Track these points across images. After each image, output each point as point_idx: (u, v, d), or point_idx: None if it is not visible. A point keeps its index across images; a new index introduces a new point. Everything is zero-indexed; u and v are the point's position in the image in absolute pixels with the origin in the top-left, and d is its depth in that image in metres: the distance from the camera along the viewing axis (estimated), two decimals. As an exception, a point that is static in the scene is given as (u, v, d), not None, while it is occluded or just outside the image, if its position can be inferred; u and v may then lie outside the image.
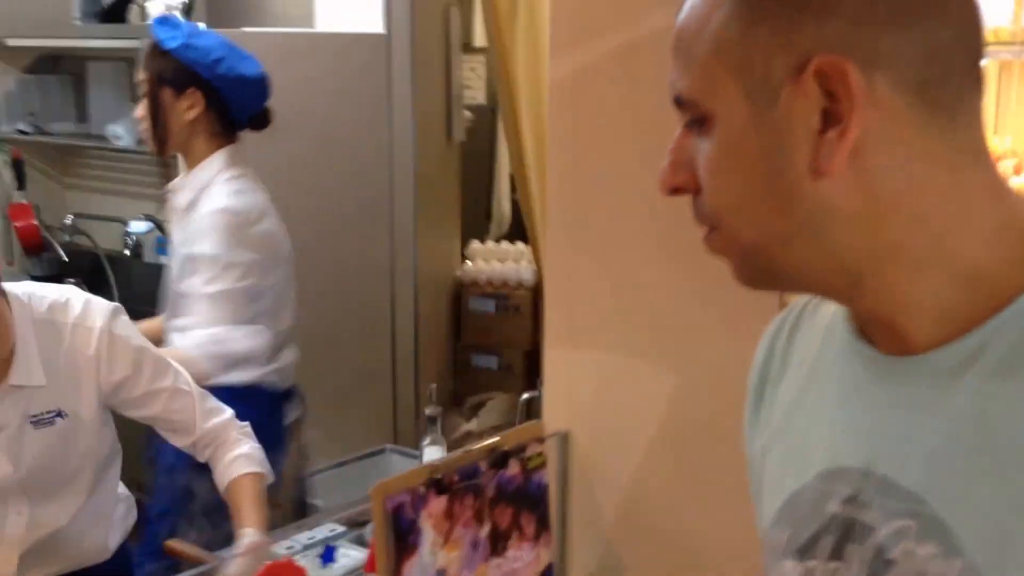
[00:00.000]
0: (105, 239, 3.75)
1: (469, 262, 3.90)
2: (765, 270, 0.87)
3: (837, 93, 0.77)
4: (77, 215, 3.85)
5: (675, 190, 0.87)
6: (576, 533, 1.45)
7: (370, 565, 1.24)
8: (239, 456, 1.85)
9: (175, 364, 1.92)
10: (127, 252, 3.66)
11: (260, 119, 2.47)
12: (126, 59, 3.75)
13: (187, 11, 3.35)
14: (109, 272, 3.61)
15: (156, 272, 3.19)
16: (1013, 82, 2.22)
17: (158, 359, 1.88)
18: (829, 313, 0.94)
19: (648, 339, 1.36)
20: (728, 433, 1.07)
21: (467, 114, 3.85)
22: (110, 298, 1.91)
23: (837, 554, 0.88)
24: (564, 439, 1.44)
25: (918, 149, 0.80)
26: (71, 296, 1.85)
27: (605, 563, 1.42)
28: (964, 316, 0.81)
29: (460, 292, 3.85)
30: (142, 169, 3.74)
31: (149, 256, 3.65)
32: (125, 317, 1.88)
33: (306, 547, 1.71)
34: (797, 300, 1.02)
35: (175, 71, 2.31)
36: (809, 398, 0.96)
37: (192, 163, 2.38)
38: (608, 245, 1.36)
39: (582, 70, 1.32)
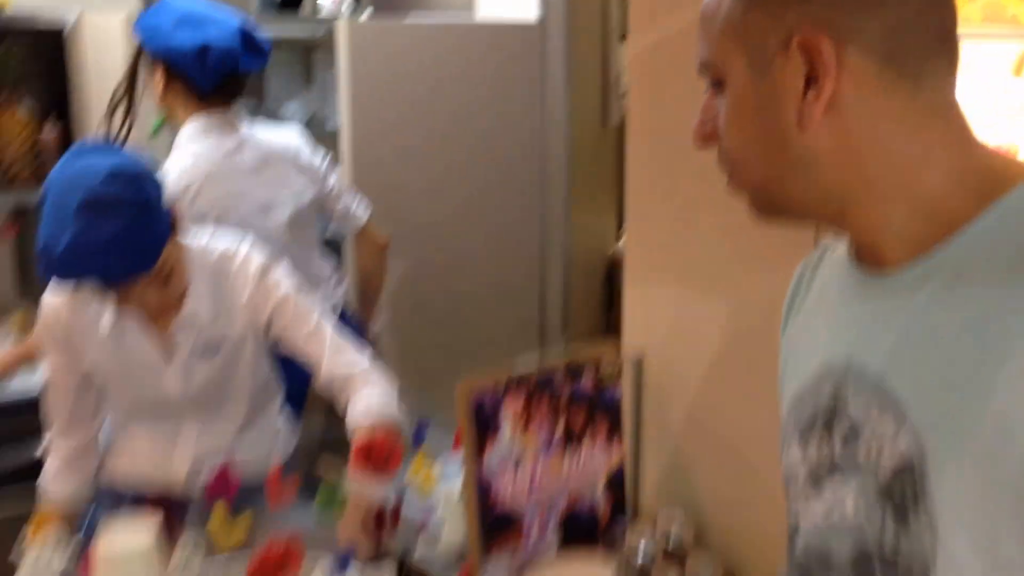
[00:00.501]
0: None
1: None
2: (769, 204, 1.12)
3: (815, 62, 1.02)
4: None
5: (704, 141, 1.14)
6: (648, 439, 1.70)
7: (456, 444, 1.52)
8: (359, 409, 2.14)
9: (309, 305, 2.25)
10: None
11: (225, 88, 2.67)
12: (301, 46, 4.17)
13: (356, 1, 3.73)
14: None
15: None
16: None
17: (303, 307, 2.21)
18: (843, 249, 1.19)
19: (710, 276, 1.60)
20: (774, 352, 1.31)
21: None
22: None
23: (826, 432, 1.12)
24: (639, 361, 1.71)
25: (884, 107, 1.04)
26: (239, 248, 2.22)
27: (673, 465, 1.67)
28: (926, 242, 1.04)
29: (614, 270, 4.10)
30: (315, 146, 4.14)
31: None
32: (279, 268, 2.23)
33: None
34: (824, 241, 1.26)
35: (140, 49, 2.63)
36: (818, 315, 1.21)
37: None
38: (679, 197, 1.61)
39: (658, 45, 1.58)
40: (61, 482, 2.13)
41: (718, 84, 1.09)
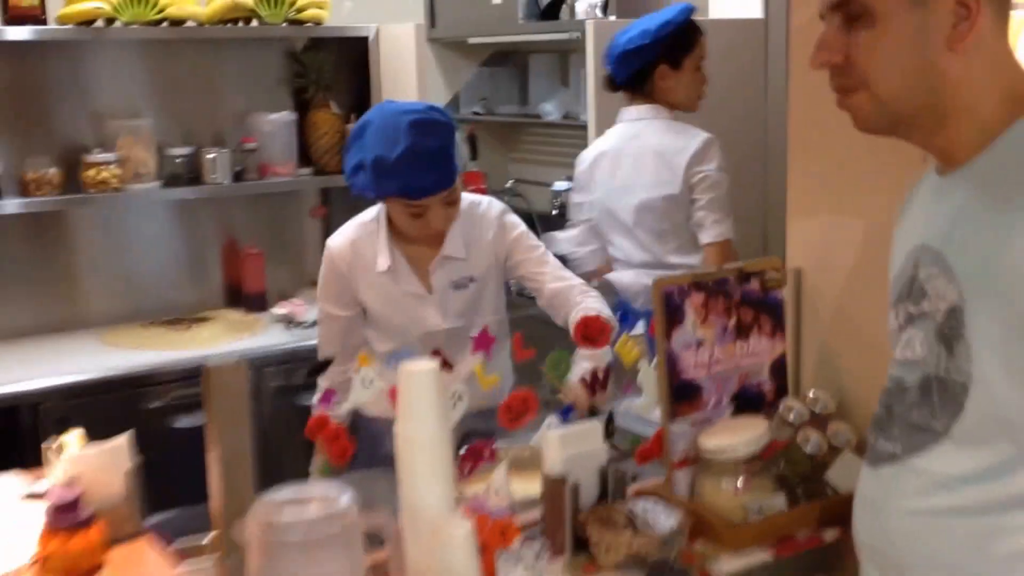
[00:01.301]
0: (537, 200, 4.79)
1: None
2: (886, 119, 1.56)
3: (967, 4, 1.48)
4: (517, 180, 4.92)
5: (823, 65, 1.58)
6: (805, 334, 2.20)
7: (652, 330, 2.07)
8: (579, 309, 2.64)
9: (538, 241, 2.83)
10: (553, 212, 4.58)
11: (631, 82, 3.50)
12: (559, 51, 4.77)
13: (604, 7, 4.30)
14: (538, 227, 4.66)
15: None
16: None
17: (533, 241, 2.80)
18: (932, 169, 1.67)
19: (855, 203, 2.10)
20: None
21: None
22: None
23: (907, 298, 1.62)
24: (798, 273, 2.21)
25: (992, 45, 1.52)
26: (483, 200, 2.84)
27: (824, 354, 2.17)
28: (978, 149, 1.53)
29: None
30: (568, 141, 4.66)
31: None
32: (512, 215, 2.83)
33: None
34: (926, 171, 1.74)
35: None
36: (913, 219, 1.70)
37: None
38: (833, 141, 2.11)
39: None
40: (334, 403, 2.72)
41: (859, 17, 1.52)
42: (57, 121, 3.85)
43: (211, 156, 3.86)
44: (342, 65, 4.09)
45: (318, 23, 3.93)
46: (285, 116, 4.02)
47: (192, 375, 3.50)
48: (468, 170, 4.76)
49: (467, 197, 2.82)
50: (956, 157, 1.56)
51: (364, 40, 3.98)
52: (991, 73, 1.52)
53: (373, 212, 2.80)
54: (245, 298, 4.09)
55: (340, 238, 2.78)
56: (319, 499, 1.63)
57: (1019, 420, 1.46)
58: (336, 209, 4.24)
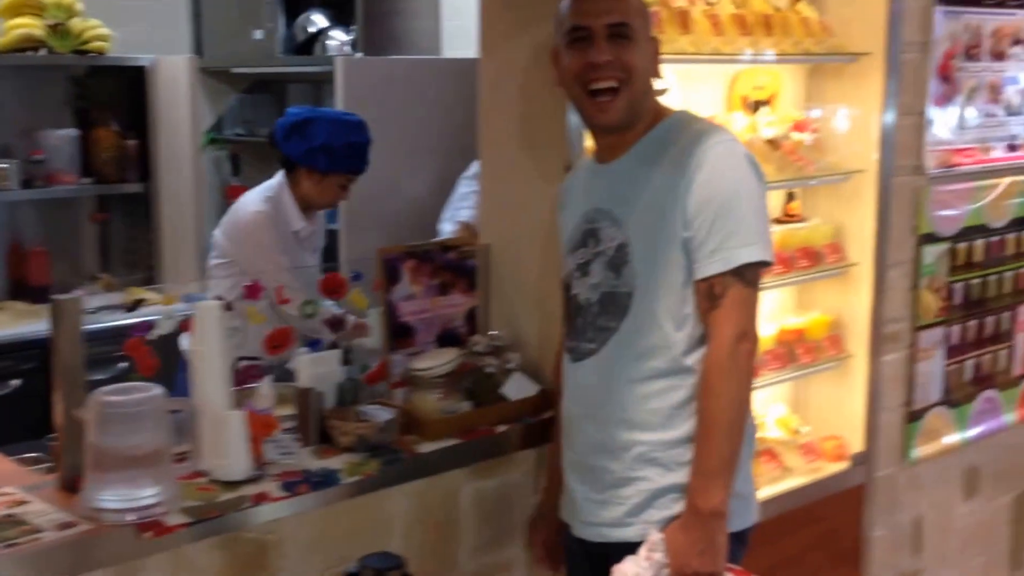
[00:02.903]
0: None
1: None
2: (630, 113, 2.47)
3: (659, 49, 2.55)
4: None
5: (605, 63, 2.43)
6: (492, 291, 3.11)
7: (376, 286, 2.93)
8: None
9: None
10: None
11: None
12: (313, 81, 5.57)
13: (353, 45, 5.14)
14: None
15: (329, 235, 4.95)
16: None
17: None
18: (586, 160, 2.61)
19: (527, 200, 3.02)
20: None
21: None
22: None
23: (584, 244, 2.55)
24: (487, 248, 3.13)
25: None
26: None
27: (503, 307, 3.08)
28: (633, 144, 2.50)
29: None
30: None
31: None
32: None
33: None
34: (574, 166, 2.68)
35: None
36: (575, 196, 2.63)
37: None
38: (509, 156, 3.04)
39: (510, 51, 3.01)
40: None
41: (623, 36, 2.39)
42: None
43: (3, 165, 4.52)
44: (122, 88, 4.82)
45: (100, 53, 4.67)
46: (70, 132, 4.72)
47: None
48: (230, 184, 5.47)
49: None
50: (624, 149, 2.49)
51: (142, 69, 4.74)
52: (653, 95, 2.47)
53: (273, 190, 3.93)
54: (30, 290, 4.74)
55: (262, 208, 3.87)
56: (137, 389, 2.41)
57: (661, 313, 2.41)
58: (114, 214, 4.95)
